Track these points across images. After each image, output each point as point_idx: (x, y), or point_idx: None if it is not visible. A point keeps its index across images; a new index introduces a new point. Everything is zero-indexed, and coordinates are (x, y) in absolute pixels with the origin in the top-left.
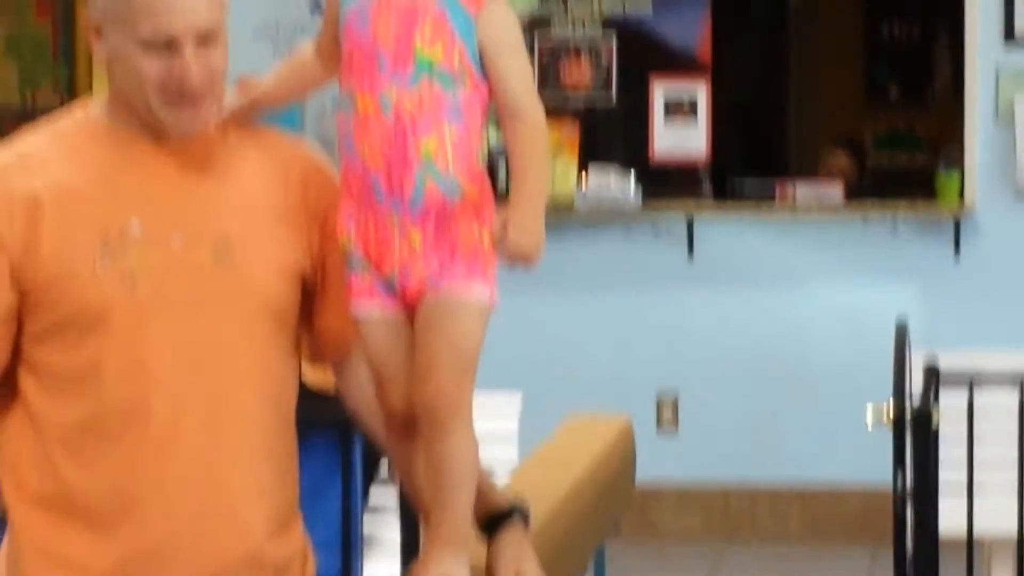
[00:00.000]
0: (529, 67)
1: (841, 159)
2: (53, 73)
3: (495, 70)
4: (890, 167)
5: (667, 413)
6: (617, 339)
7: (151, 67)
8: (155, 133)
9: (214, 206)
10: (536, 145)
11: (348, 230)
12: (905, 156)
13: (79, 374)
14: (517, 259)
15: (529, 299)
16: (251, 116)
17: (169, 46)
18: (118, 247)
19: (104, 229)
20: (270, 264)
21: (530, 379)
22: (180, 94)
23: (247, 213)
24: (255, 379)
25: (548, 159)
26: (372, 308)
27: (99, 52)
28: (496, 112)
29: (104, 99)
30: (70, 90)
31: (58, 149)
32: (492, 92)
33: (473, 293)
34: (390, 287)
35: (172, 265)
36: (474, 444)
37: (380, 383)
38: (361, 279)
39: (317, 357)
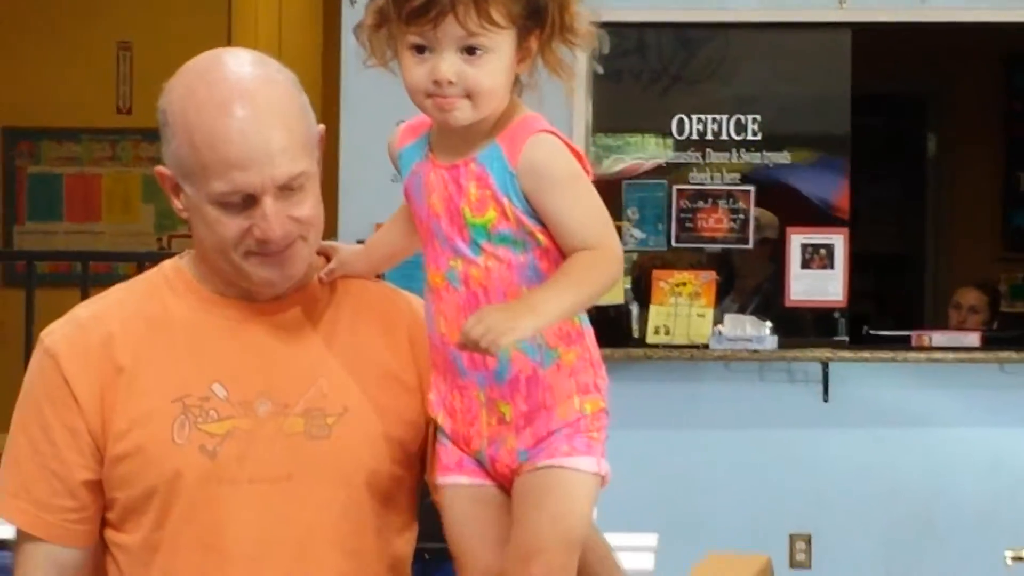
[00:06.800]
0: (592, 196)
1: (972, 294)
2: None
3: (545, 213)
4: None
5: (800, 552)
6: (751, 479)
7: (228, 224)
8: (242, 289)
9: (309, 372)
10: (588, 266)
11: (437, 405)
12: None
13: (150, 547)
14: (467, 343)
15: (664, 439)
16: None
17: (246, 202)
18: (199, 414)
19: (184, 395)
20: (373, 435)
21: (665, 518)
22: (262, 249)
23: (348, 379)
24: (345, 563)
25: (591, 288)
26: (459, 479)
27: (176, 206)
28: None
29: (192, 252)
30: None
31: (143, 306)
32: (554, 236)
33: (577, 465)
34: (480, 463)
35: (257, 435)
36: None
37: (460, 557)
38: (449, 452)
39: None
